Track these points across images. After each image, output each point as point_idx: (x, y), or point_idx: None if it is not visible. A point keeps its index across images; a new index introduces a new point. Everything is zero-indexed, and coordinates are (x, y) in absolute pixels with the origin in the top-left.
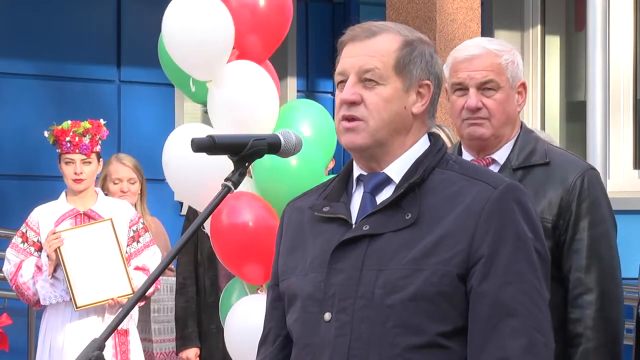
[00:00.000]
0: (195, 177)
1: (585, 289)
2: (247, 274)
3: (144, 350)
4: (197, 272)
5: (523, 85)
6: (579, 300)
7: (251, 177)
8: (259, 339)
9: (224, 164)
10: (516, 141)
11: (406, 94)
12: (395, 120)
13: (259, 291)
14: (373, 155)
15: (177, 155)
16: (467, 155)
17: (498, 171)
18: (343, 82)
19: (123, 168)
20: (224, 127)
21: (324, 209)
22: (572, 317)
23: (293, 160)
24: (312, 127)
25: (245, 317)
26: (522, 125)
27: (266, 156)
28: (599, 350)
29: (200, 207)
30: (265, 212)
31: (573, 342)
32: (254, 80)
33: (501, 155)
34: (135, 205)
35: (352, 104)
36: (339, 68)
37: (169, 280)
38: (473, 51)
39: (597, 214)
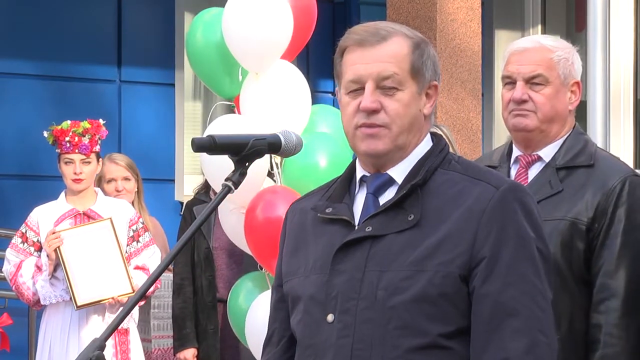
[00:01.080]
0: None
1: (609, 294)
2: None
3: (144, 351)
4: (194, 273)
5: (577, 84)
6: (602, 305)
7: (278, 175)
8: (264, 339)
9: (265, 159)
10: (565, 140)
11: (420, 96)
12: (413, 124)
13: None
14: (390, 159)
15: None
16: (516, 151)
17: (542, 169)
18: (357, 89)
19: (116, 167)
20: (256, 119)
21: (327, 210)
22: (594, 322)
23: (322, 160)
24: (337, 128)
25: (267, 313)
26: (575, 126)
27: (295, 156)
28: (617, 356)
29: (239, 202)
30: None
31: (592, 347)
32: (294, 79)
33: (547, 153)
34: (132, 204)
35: (373, 112)
36: (351, 75)
37: (171, 277)
38: (525, 44)
39: (633, 220)
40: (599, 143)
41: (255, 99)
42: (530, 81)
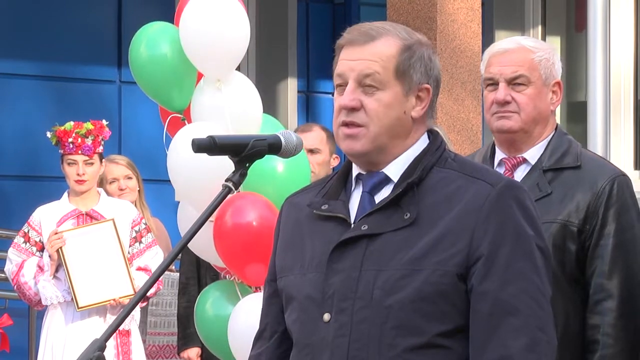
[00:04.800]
0: (201, 179)
1: (605, 295)
2: (248, 274)
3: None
4: (199, 272)
5: (558, 84)
6: (598, 306)
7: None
8: (255, 334)
9: (227, 166)
10: (549, 142)
11: (405, 98)
12: (395, 125)
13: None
14: (371, 160)
15: (184, 156)
16: (499, 154)
17: (528, 171)
18: (341, 85)
19: (116, 167)
20: (214, 129)
21: (323, 207)
22: (591, 323)
23: (280, 164)
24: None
25: (250, 315)
26: (557, 127)
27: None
28: (615, 357)
29: (201, 208)
30: (269, 212)
31: (590, 348)
32: (249, 85)
33: (533, 154)
34: (135, 203)
35: (352, 109)
36: (337, 70)
37: (171, 276)
38: (506, 46)
39: (624, 221)
40: (599, 143)
41: (211, 106)
42: (513, 82)
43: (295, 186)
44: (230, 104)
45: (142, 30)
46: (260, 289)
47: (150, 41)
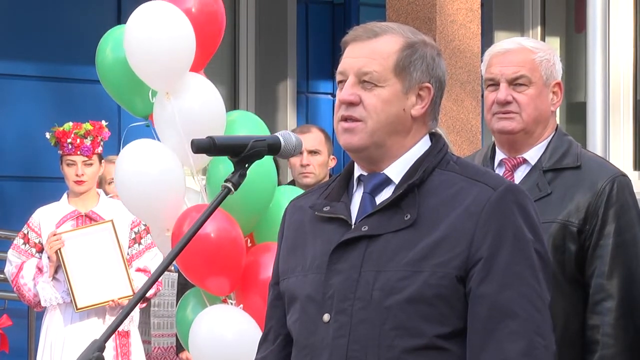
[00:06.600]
0: (149, 193)
1: (605, 295)
2: (210, 286)
3: (145, 353)
4: None
5: (559, 85)
6: (598, 306)
7: (204, 191)
8: (260, 338)
9: (177, 179)
10: (549, 142)
11: (405, 96)
12: (394, 122)
13: (224, 302)
14: (371, 157)
15: (131, 171)
16: (499, 154)
17: (528, 172)
18: (343, 81)
19: (114, 167)
20: (174, 139)
21: (325, 209)
22: (591, 324)
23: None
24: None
25: (210, 328)
26: (557, 128)
27: (220, 164)
28: (615, 357)
29: (154, 222)
30: (227, 224)
31: (590, 349)
32: (208, 92)
33: (533, 155)
34: None
35: (351, 104)
36: (339, 68)
37: (171, 276)
38: (507, 46)
39: (624, 221)
40: (599, 144)
41: (168, 116)
42: (514, 82)
43: (260, 193)
44: (184, 114)
45: (109, 33)
46: (226, 300)
47: (116, 44)
